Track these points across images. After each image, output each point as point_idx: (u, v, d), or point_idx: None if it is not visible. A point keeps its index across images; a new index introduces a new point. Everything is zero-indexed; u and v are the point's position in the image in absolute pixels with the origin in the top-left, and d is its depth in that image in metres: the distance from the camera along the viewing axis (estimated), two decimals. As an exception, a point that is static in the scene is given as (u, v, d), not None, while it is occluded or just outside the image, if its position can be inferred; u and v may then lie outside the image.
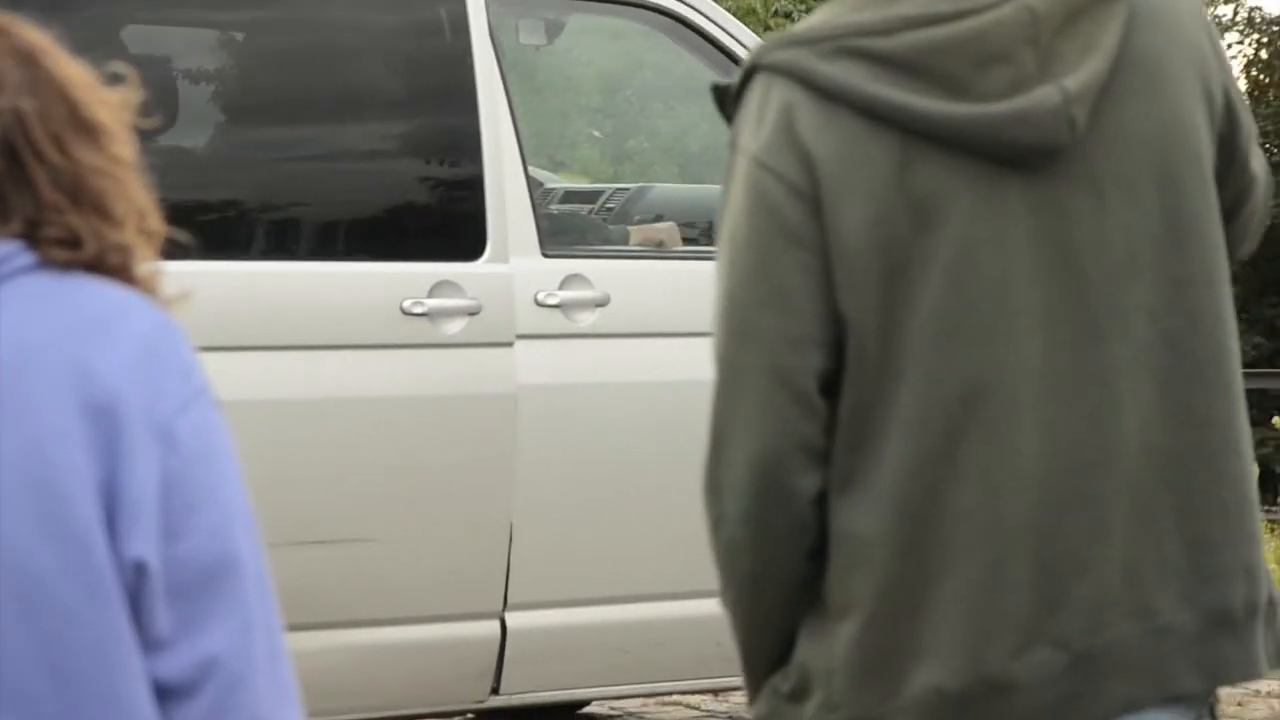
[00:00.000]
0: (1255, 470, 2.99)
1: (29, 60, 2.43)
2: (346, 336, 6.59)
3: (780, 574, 2.95)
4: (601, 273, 6.95)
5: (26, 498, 2.37)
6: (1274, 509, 17.60)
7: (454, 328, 6.73)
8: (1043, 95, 2.86)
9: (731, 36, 7.22)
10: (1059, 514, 2.90)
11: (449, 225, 6.96)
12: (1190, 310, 2.95)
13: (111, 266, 2.48)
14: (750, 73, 2.95)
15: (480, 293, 6.72)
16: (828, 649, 2.91)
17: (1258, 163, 3.09)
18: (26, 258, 2.41)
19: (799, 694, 2.94)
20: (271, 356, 6.53)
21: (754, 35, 7.49)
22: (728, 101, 3.00)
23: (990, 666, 2.86)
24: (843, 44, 2.89)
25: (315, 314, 6.65)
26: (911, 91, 2.87)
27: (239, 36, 7.04)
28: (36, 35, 2.45)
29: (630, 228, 7.59)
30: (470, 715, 7.88)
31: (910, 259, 2.86)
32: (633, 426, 6.96)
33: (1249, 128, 3.05)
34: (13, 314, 2.40)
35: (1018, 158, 2.88)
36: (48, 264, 2.43)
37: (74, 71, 2.46)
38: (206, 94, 7.10)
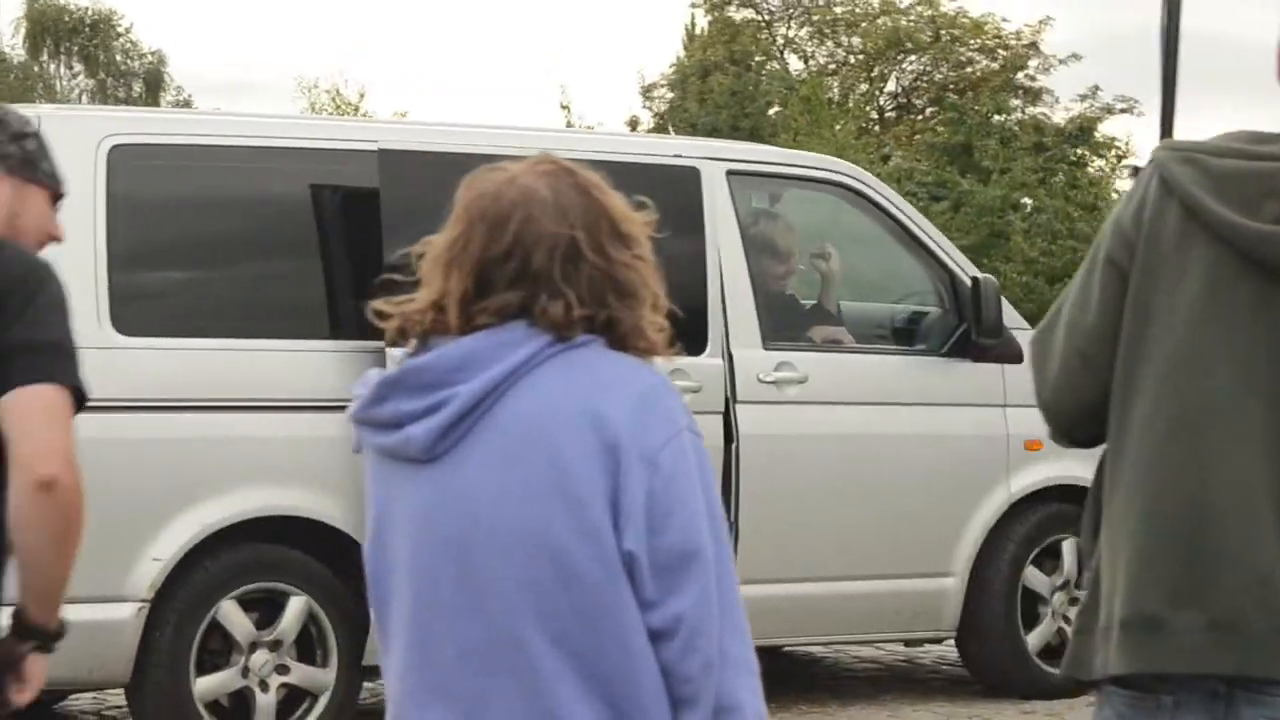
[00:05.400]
0: None
1: (585, 192, 2.84)
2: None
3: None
4: (804, 360, 8.60)
5: (560, 505, 2.76)
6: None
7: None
8: None
9: (889, 201, 8.87)
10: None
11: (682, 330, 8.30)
12: None
13: (620, 337, 2.83)
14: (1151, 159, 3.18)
15: (701, 377, 8.32)
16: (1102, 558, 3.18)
17: None
18: (561, 344, 2.80)
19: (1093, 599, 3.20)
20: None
21: (906, 201, 8.76)
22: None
23: (1147, 608, 3.08)
24: (1189, 155, 3.12)
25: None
26: (1219, 201, 3.06)
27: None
28: (591, 175, 2.86)
29: (815, 328, 9.00)
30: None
31: (1159, 310, 3.11)
32: (821, 460, 8.50)
33: None
34: (555, 379, 2.79)
35: (1267, 265, 3.05)
36: (577, 342, 2.80)
37: (614, 199, 2.85)
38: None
